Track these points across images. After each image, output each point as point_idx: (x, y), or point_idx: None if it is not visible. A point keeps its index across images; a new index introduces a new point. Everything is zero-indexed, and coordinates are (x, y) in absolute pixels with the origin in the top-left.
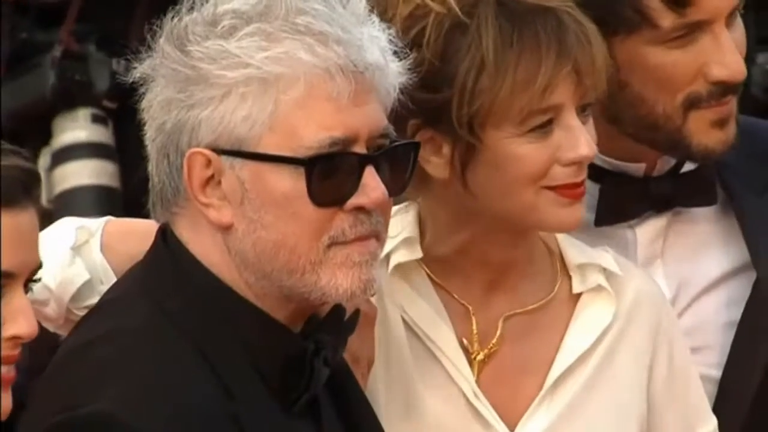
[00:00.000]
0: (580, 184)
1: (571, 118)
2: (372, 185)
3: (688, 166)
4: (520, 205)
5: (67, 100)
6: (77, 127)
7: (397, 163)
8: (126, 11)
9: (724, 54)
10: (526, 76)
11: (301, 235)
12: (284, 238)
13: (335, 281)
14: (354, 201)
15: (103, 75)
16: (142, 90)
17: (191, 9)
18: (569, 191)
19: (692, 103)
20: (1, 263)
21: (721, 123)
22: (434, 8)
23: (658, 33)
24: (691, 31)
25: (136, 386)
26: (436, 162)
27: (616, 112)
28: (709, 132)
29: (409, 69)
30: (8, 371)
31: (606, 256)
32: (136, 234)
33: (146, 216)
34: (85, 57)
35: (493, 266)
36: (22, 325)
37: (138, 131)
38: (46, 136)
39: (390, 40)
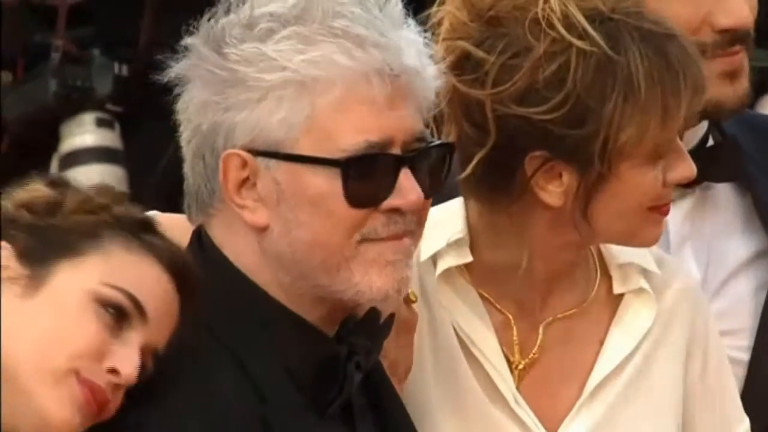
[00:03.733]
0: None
1: (679, 143)
2: (408, 187)
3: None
4: (629, 227)
5: (70, 105)
6: (83, 132)
7: (433, 164)
8: (134, 16)
9: (728, 1)
10: (669, 110)
11: (334, 233)
12: (319, 237)
13: (369, 279)
14: (390, 202)
15: (105, 79)
16: (158, 93)
17: (227, 11)
18: (664, 210)
19: (701, 54)
20: (144, 304)
21: (730, 75)
22: (575, 43)
23: None
24: None
25: (169, 389)
26: (552, 190)
27: None
28: (718, 84)
29: (547, 111)
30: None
31: (644, 253)
32: (179, 228)
33: None
34: (87, 62)
35: (538, 278)
36: (126, 365)
37: (146, 133)
38: (55, 142)
39: (426, 44)
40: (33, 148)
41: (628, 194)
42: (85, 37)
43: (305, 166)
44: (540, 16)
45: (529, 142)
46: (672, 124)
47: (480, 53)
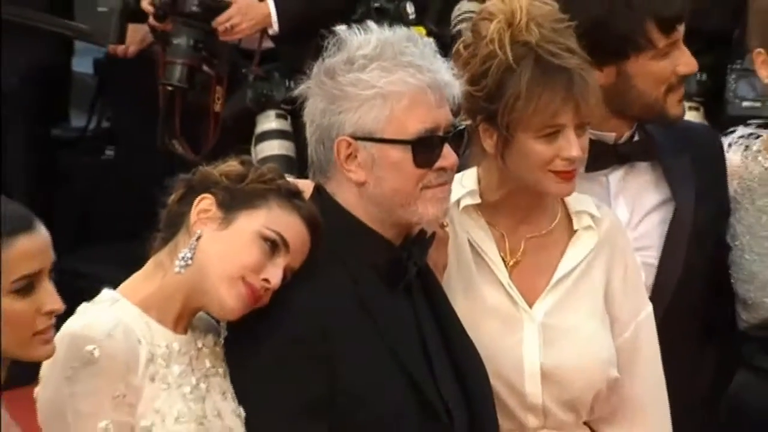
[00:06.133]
0: (572, 171)
1: (569, 132)
2: (449, 154)
3: (636, 138)
4: (534, 179)
5: (260, 105)
6: (268, 121)
7: (460, 139)
8: (304, 53)
9: (687, 58)
10: (543, 106)
11: (407, 184)
12: (399, 186)
13: (427, 209)
14: (439, 164)
15: (280, 90)
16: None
17: (332, 55)
18: (564, 175)
19: (669, 90)
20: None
21: (681, 99)
22: (499, 54)
23: (655, 51)
24: (671, 48)
25: (305, 279)
26: (489, 143)
27: (625, 104)
28: (677, 106)
29: (478, 90)
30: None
31: (591, 204)
32: (305, 186)
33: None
34: (269, 79)
35: (520, 208)
36: (274, 277)
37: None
38: (253, 127)
39: (452, 66)
40: (239, 132)
41: (525, 155)
42: (269, 66)
43: (389, 145)
44: (488, 38)
45: (475, 111)
46: (545, 116)
47: (464, 52)
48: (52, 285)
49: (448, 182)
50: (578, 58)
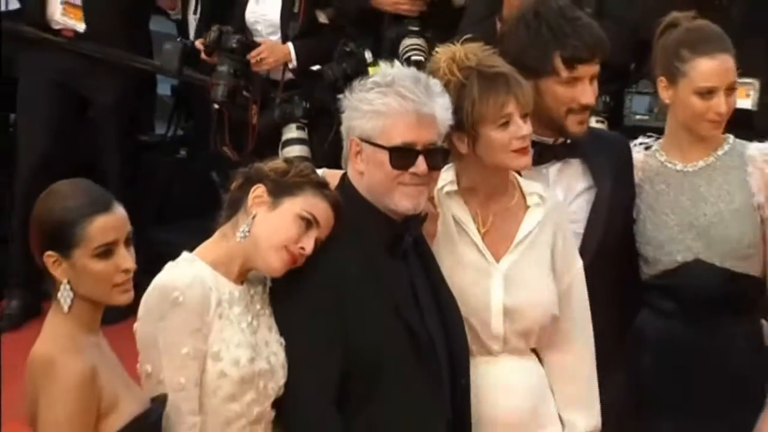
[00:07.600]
0: (526, 148)
1: (517, 119)
2: (419, 163)
3: (568, 141)
4: (500, 160)
5: (285, 120)
6: (291, 132)
7: (437, 155)
8: (315, 83)
9: (588, 93)
10: (492, 102)
11: (386, 179)
12: (380, 179)
13: (400, 201)
14: (412, 170)
15: (299, 108)
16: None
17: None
18: (521, 151)
19: (569, 112)
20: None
21: (581, 122)
22: (452, 79)
23: (559, 78)
24: (575, 80)
25: (328, 250)
26: (462, 146)
27: (537, 112)
28: (576, 126)
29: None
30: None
31: (540, 188)
32: (336, 177)
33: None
34: (291, 101)
35: (488, 190)
36: (308, 246)
37: (319, 134)
38: (279, 136)
39: (449, 104)
40: (270, 139)
41: (490, 144)
42: (292, 93)
43: (377, 148)
44: (441, 72)
45: (452, 128)
46: (496, 109)
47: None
48: (129, 250)
49: (423, 184)
50: (508, 67)
